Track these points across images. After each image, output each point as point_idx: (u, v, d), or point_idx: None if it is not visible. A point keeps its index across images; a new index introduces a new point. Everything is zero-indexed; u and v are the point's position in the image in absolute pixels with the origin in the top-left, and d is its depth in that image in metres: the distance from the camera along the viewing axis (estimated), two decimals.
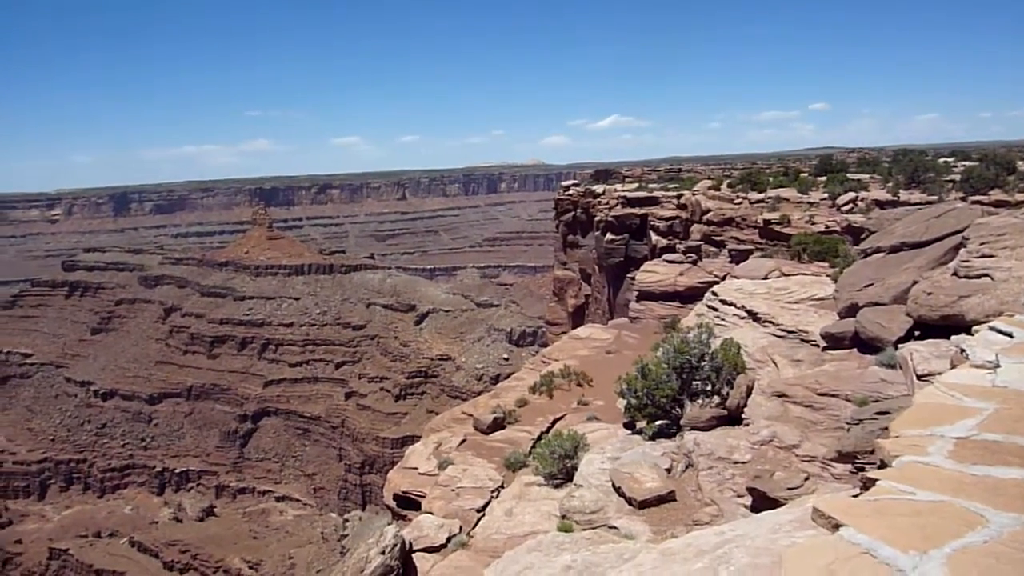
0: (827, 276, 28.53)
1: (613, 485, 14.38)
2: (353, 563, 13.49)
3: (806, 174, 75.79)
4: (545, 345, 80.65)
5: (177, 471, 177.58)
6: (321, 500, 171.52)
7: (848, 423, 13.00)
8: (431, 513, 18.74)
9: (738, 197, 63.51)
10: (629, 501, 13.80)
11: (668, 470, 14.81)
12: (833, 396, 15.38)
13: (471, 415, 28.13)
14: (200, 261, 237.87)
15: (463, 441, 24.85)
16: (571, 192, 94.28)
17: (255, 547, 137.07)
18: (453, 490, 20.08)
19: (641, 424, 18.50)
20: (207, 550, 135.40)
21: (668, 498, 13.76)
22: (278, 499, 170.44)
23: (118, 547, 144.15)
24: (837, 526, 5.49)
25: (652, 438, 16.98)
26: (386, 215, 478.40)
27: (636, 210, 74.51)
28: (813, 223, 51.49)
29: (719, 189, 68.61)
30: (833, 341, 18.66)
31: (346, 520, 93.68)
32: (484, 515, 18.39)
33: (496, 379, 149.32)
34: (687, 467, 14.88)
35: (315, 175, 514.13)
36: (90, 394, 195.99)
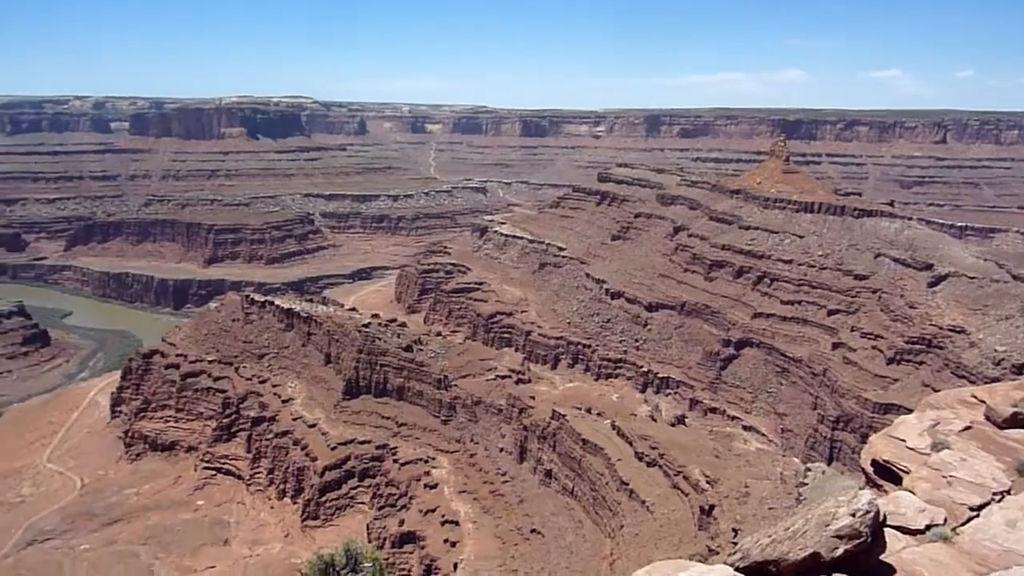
0: None
1: None
2: (819, 515, 13.48)
3: None
4: None
5: (660, 375, 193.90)
6: (786, 442, 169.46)
7: None
8: (912, 492, 17.37)
9: None
10: None
11: None
12: None
13: (984, 401, 24.58)
14: (713, 186, 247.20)
15: (967, 428, 22.02)
16: None
17: (715, 464, 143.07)
18: (944, 477, 18.17)
19: None
20: (672, 453, 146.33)
21: None
22: (744, 428, 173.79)
23: (602, 426, 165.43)
24: None
25: None
26: (917, 159, 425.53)
27: None
28: None
29: None
30: None
31: (808, 469, 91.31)
32: (978, 516, 16.37)
33: (1021, 369, 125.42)
34: None
35: (843, 109, 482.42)
36: (602, 291, 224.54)
